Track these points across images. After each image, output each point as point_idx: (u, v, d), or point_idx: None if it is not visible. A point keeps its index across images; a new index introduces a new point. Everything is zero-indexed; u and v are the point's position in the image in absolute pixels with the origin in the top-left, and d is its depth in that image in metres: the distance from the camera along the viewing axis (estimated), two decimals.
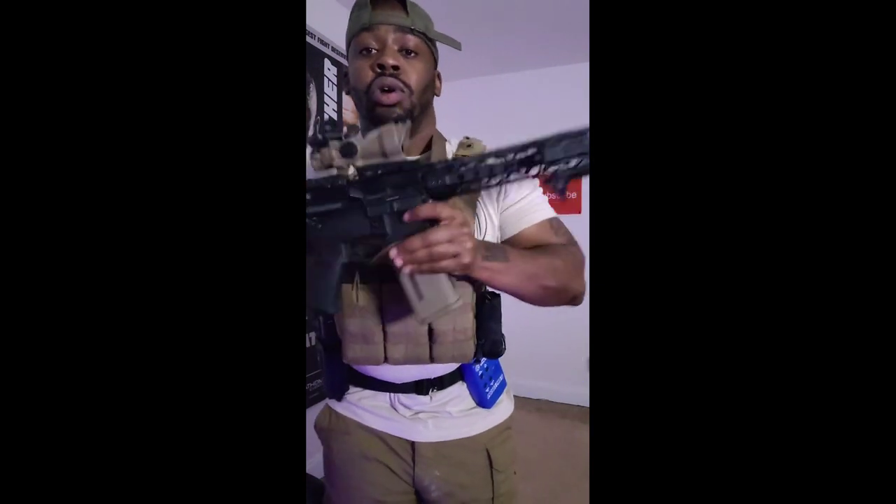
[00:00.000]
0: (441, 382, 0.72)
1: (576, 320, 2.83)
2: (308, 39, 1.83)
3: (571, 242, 0.71)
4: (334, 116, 2.01)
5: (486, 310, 0.70)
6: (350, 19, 0.69)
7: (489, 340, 0.71)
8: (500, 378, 0.78)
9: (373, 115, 0.66)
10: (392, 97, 0.64)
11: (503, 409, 0.78)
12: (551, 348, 2.81)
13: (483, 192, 0.69)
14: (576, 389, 2.78)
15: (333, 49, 1.99)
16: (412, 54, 0.66)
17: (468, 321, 0.67)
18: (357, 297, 0.66)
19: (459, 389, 0.74)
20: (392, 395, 0.73)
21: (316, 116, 1.90)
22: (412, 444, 0.73)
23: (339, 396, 0.77)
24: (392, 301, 0.65)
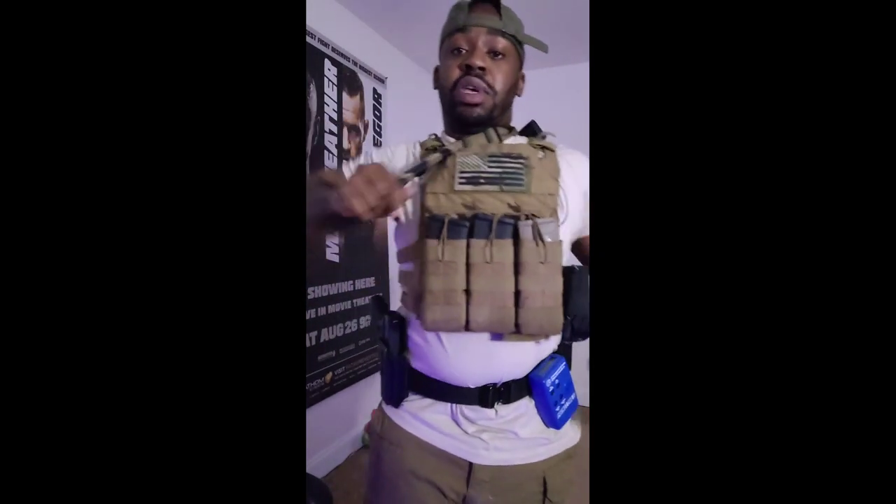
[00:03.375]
0: (508, 394, 0.68)
1: None
2: (308, 39, 1.83)
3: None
4: (334, 117, 2.01)
5: (575, 280, 0.67)
6: (447, 20, 0.71)
7: (579, 315, 0.68)
8: (573, 397, 0.73)
9: (454, 113, 0.70)
10: (475, 97, 0.67)
11: (571, 434, 0.74)
12: None
13: (565, 170, 0.71)
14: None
15: (333, 49, 1.99)
16: (500, 56, 0.69)
17: (558, 285, 0.64)
18: (442, 253, 0.64)
19: (527, 406, 0.70)
20: (454, 405, 0.69)
21: (316, 116, 1.90)
22: (470, 464, 0.69)
23: (397, 403, 0.74)
24: (478, 256, 0.63)
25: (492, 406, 0.68)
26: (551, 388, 0.68)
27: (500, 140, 0.71)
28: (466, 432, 0.69)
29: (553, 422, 0.70)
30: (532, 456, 0.70)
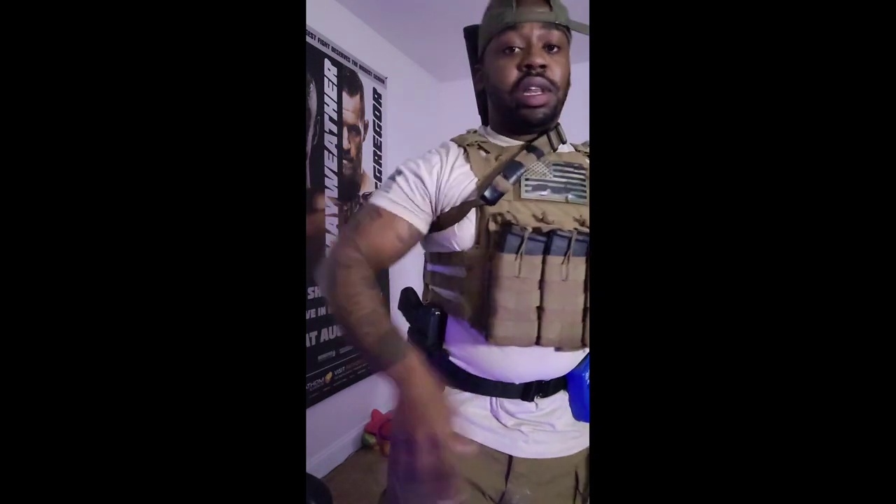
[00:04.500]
0: (548, 388, 0.68)
1: None
2: (308, 39, 1.83)
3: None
4: (334, 116, 2.01)
5: None
6: (489, 17, 0.68)
7: None
8: None
9: (516, 115, 0.66)
10: (540, 98, 0.64)
11: None
12: None
13: None
14: None
15: (333, 49, 1.99)
16: (556, 49, 0.66)
17: None
18: (519, 269, 0.61)
19: (562, 399, 0.70)
20: (495, 399, 0.68)
21: (316, 116, 1.90)
22: (510, 458, 0.68)
23: None
24: (554, 274, 0.62)
25: (532, 399, 0.68)
26: (588, 381, 0.69)
27: (554, 148, 0.69)
28: (506, 426, 0.68)
29: (585, 415, 0.70)
30: (566, 449, 0.70)
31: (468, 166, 0.67)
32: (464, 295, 0.66)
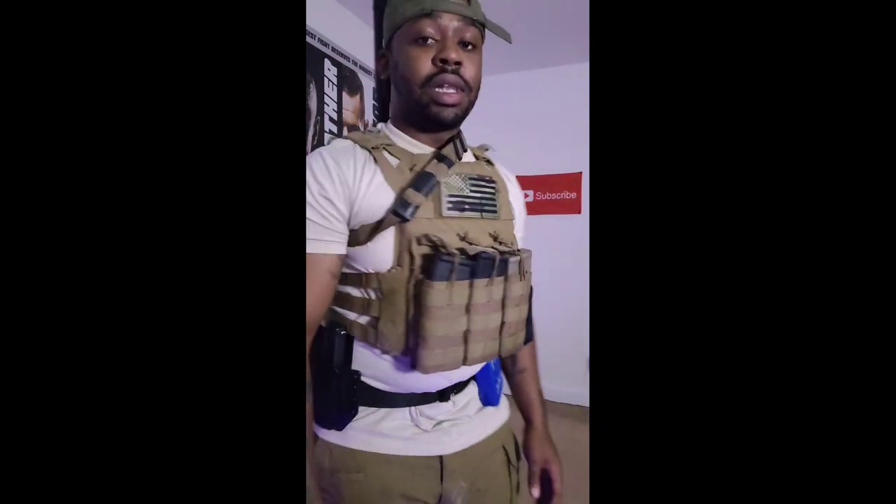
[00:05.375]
0: (462, 386, 0.69)
1: (576, 320, 2.85)
2: (308, 40, 1.83)
3: None
4: (334, 116, 2.01)
5: (530, 293, 0.71)
6: (401, 1, 0.61)
7: (529, 326, 0.72)
8: (501, 373, 0.78)
9: (426, 113, 0.61)
10: (454, 97, 0.60)
11: (504, 404, 0.78)
12: (551, 348, 2.81)
13: (509, 187, 0.73)
14: (576, 389, 2.79)
15: (333, 49, 1.99)
16: (470, 47, 0.61)
17: (526, 309, 0.69)
18: (451, 297, 0.58)
19: (473, 389, 0.73)
20: (413, 408, 0.66)
21: (316, 116, 1.90)
22: (440, 459, 0.66)
23: (343, 425, 0.64)
24: (480, 297, 0.60)
25: (449, 399, 0.68)
26: (494, 366, 0.74)
27: (459, 156, 0.66)
28: (426, 430, 0.66)
29: (494, 398, 0.73)
30: (487, 430, 0.72)
31: (381, 176, 0.61)
32: (381, 321, 0.61)
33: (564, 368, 2.80)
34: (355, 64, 2.14)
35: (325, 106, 1.95)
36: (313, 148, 1.88)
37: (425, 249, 0.58)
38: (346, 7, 2.09)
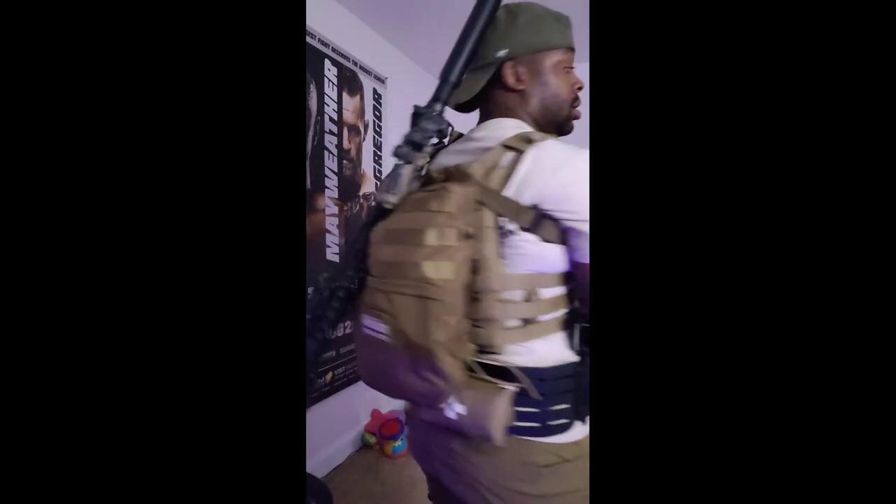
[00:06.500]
0: None
1: None
2: (308, 40, 1.83)
3: None
4: (334, 117, 2.01)
5: None
6: (549, 29, 0.72)
7: None
8: None
9: (567, 124, 0.77)
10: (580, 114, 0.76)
11: None
12: None
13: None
14: None
15: (333, 49, 1.99)
16: None
17: None
18: None
19: None
20: None
21: (316, 116, 1.90)
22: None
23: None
24: None
25: None
26: None
27: None
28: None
29: None
30: None
31: None
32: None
33: None
34: (355, 64, 2.14)
35: (325, 106, 1.95)
36: (313, 148, 1.88)
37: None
38: (346, 7, 2.09)
